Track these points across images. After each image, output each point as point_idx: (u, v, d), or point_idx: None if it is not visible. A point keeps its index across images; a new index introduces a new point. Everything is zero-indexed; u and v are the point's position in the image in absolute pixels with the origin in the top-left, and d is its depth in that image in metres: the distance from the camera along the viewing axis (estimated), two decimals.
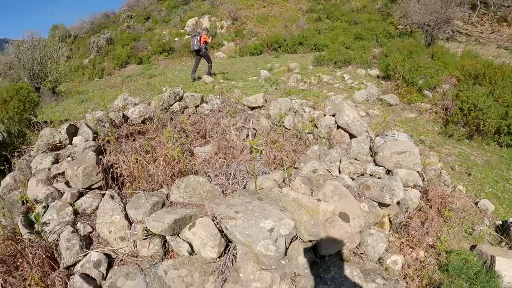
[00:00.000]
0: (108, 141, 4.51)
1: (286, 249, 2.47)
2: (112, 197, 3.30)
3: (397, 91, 8.98)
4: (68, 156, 4.23)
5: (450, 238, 3.97)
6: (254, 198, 2.94)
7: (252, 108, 6.52)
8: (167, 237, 2.83)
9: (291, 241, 2.53)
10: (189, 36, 20.61)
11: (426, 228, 3.72)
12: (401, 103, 8.48)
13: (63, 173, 3.86)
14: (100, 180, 3.66)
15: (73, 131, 4.61)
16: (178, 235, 2.78)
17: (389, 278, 2.70)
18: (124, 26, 20.10)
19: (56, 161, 4.11)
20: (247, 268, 2.41)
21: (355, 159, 3.88)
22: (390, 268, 2.91)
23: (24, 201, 3.40)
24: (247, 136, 5.56)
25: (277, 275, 2.39)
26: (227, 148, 5.09)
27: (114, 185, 3.64)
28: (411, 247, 3.52)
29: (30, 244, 2.83)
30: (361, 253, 2.81)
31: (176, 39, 20.47)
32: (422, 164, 4.35)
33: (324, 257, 2.62)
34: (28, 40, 11.22)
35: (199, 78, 11.53)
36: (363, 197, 3.42)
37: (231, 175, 3.70)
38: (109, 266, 2.81)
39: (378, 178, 3.58)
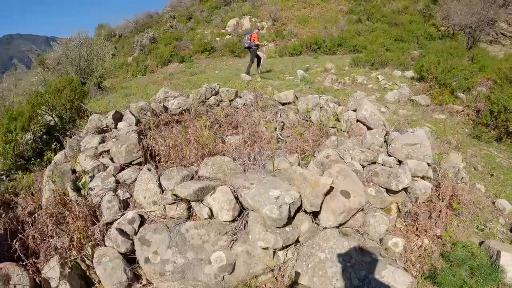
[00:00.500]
0: (149, 127, 5.22)
1: (290, 215, 2.84)
2: (149, 169, 3.90)
3: (429, 92, 9.03)
4: (113, 138, 4.94)
5: (460, 231, 4.15)
6: (269, 175, 3.35)
7: (283, 104, 6.95)
8: (192, 203, 3.34)
9: (296, 212, 2.91)
10: (230, 36, 21.56)
11: (434, 219, 3.88)
12: (432, 104, 8.54)
13: (108, 151, 4.55)
14: (140, 157, 4.30)
15: (118, 117, 5.36)
16: (201, 201, 3.28)
17: (386, 256, 2.95)
18: (167, 26, 21.53)
19: (102, 141, 4.84)
20: (255, 230, 2.82)
21: (369, 149, 4.14)
22: (391, 249, 3.14)
23: (73, 171, 4.14)
24: (276, 128, 6.00)
25: (280, 238, 2.76)
26: (255, 137, 5.56)
27: (152, 161, 4.27)
28: (416, 235, 3.73)
29: (77, 203, 3.49)
30: (362, 232, 3.09)
31: (218, 39, 21.43)
32: (437, 158, 4.52)
33: (326, 229, 2.95)
34: (75, 38, 12.53)
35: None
36: (371, 183, 3.69)
37: (253, 157, 4.16)
38: (141, 224, 3.38)
39: (389, 167, 3.83)
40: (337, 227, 2.99)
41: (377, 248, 2.99)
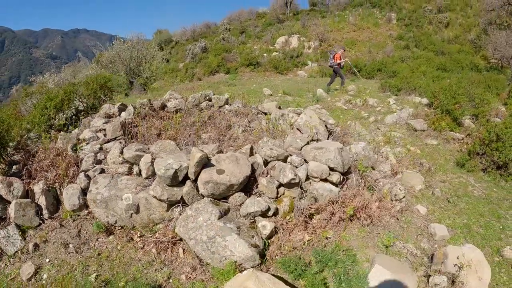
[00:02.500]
0: (144, 117, 7.40)
1: (176, 178, 4.45)
2: (120, 142, 5.98)
3: (429, 117, 9.53)
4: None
5: (355, 239, 4.78)
6: (186, 153, 5.14)
7: (265, 113, 8.65)
8: (133, 166, 5.29)
9: (184, 179, 4.62)
10: (277, 53, 23.82)
11: (326, 220, 4.96)
12: (430, 130, 9.07)
13: (105, 129, 6.81)
14: (122, 135, 6.44)
15: (122, 108, 7.63)
16: (138, 165, 5.20)
17: (246, 231, 4.24)
18: (219, 37, 24.65)
19: (106, 123, 7.13)
20: (154, 185, 4.63)
21: (286, 150, 5.58)
22: (258, 229, 4.41)
23: (79, 139, 6.42)
24: (243, 130, 7.73)
25: (166, 193, 4.44)
26: (220, 135, 7.38)
27: (129, 139, 6.37)
28: (303, 230, 4.73)
29: (65, 155, 5.68)
30: (235, 209, 4.60)
31: (265, 54, 23.84)
32: (361, 168, 5.55)
33: (204, 197, 4.57)
34: (128, 40, 15.59)
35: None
36: (269, 175, 5.17)
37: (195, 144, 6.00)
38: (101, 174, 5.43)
39: (291, 164, 5.24)
40: (211, 196, 4.52)
41: (241, 222, 4.39)
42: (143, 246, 4.63)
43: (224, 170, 4.57)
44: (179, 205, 4.69)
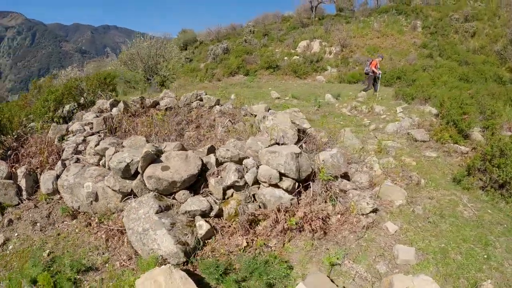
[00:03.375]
0: (132, 114, 8.00)
1: (129, 171, 4.90)
2: (99, 135, 6.57)
3: (433, 127, 9.04)
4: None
5: (297, 252, 4.64)
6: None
7: (255, 115, 8.94)
8: (102, 157, 5.82)
9: (136, 171, 5.05)
10: (298, 57, 23.90)
11: (271, 228, 4.82)
12: (431, 141, 8.56)
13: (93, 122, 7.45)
14: (104, 129, 7.03)
15: (115, 104, 8.27)
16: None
17: (180, 228, 4.46)
18: (242, 39, 25.15)
19: (96, 117, 7.78)
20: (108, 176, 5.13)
21: (245, 152, 5.80)
22: (195, 228, 4.58)
23: (67, 130, 7.10)
24: (226, 131, 8.07)
25: (118, 184, 4.93)
26: (202, 135, 7.79)
27: (107, 133, 6.95)
28: (244, 235, 4.65)
29: (50, 144, 6.34)
30: (179, 204, 4.91)
31: (285, 58, 23.99)
32: (322, 177, 5.29)
33: (150, 191, 4.97)
34: (149, 38, 16.31)
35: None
36: (219, 176, 5.45)
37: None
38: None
39: (245, 167, 5.48)
40: (156, 191, 4.86)
41: (177, 219, 4.59)
42: (97, 232, 5.12)
43: (170, 167, 4.93)
44: (130, 197, 5.13)
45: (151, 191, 4.89)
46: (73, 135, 6.88)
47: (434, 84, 15.13)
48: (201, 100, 9.37)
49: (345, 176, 6.44)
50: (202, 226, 4.59)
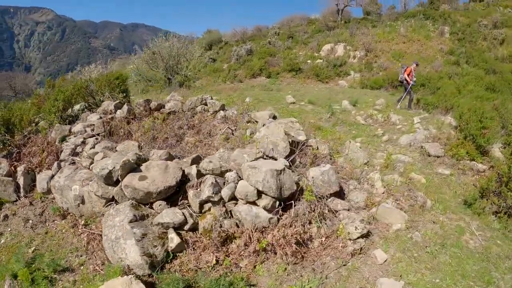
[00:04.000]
0: (135, 117, 8.23)
1: (111, 178, 5.07)
2: (96, 139, 6.82)
3: (450, 141, 8.56)
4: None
5: (268, 275, 4.48)
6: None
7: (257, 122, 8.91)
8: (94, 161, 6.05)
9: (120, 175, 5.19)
10: (321, 61, 23.51)
11: (245, 247, 4.64)
12: (446, 157, 8.02)
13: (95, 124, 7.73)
14: (103, 132, 7.28)
15: (119, 106, 8.53)
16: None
17: (151, 240, 4.48)
18: (266, 41, 25.08)
19: (100, 119, 8.06)
20: (93, 181, 5.31)
21: (227, 164, 5.77)
22: (166, 240, 4.57)
23: (70, 130, 7.41)
24: (226, 138, 8.09)
25: (101, 189, 5.09)
26: (200, 142, 7.87)
27: (107, 135, 7.18)
28: (214, 252, 4.56)
29: (51, 145, 6.65)
30: (155, 214, 4.95)
31: (309, 61, 23.68)
32: (308, 197, 5.08)
33: (129, 200, 5.08)
34: (169, 38, 16.57)
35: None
36: (199, 189, 5.40)
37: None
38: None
39: (227, 181, 5.45)
40: (134, 200, 4.94)
41: (149, 230, 4.63)
42: (80, 234, 5.32)
43: (147, 177, 5.01)
44: (112, 203, 5.28)
45: (130, 199, 4.99)
46: (74, 136, 7.17)
47: (459, 93, 14.37)
48: (206, 104, 9.43)
49: (339, 195, 6.09)
50: (173, 239, 4.62)
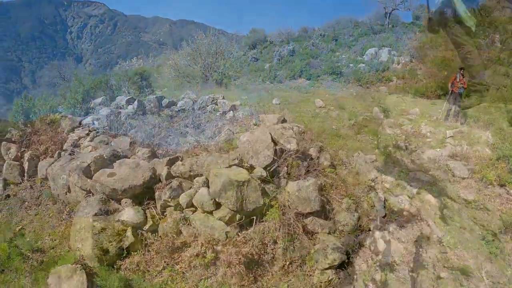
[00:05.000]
0: (144, 113, 8.62)
1: (87, 169, 5.42)
2: (97, 132, 7.27)
3: (480, 161, 7.46)
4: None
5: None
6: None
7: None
8: None
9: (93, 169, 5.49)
10: (363, 65, 22.37)
11: (195, 257, 4.60)
12: (473, 178, 7.02)
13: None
14: (107, 126, 7.73)
15: (131, 101, 8.98)
16: None
17: (109, 234, 4.70)
18: (310, 42, 24.49)
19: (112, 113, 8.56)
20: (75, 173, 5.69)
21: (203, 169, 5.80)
22: (124, 237, 4.78)
23: (80, 122, 7.99)
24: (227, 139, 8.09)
25: (80, 181, 5.49)
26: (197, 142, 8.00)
27: (109, 129, 7.62)
28: (163, 257, 4.69)
29: (61, 136, 7.23)
30: (121, 210, 5.21)
31: (351, 65, 22.69)
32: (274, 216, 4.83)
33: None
34: (208, 35, 16.79)
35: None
36: (163, 191, 5.44)
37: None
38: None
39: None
40: (103, 194, 5.22)
41: (110, 225, 4.88)
42: (62, 220, 5.74)
43: (116, 174, 5.22)
44: (90, 195, 5.60)
45: (100, 194, 5.24)
46: (82, 129, 7.70)
47: (505, 106, 12.77)
48: (216, 104, 9.54)
49: (322, 214, 5.57)
50: (128, 238, 4.78)
